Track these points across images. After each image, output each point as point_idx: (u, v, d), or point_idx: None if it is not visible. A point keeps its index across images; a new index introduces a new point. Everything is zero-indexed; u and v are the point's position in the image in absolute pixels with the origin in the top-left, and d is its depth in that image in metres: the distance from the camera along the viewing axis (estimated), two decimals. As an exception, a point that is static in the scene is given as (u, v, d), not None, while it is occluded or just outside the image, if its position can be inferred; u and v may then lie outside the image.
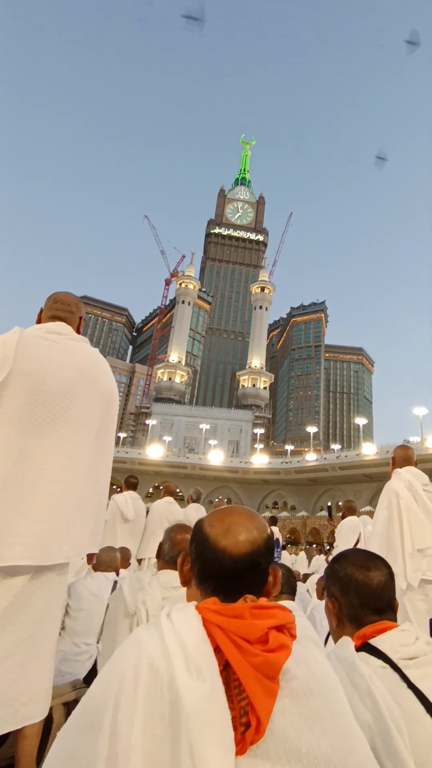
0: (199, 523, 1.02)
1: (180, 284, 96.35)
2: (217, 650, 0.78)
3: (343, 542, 6.01)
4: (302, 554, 16.52)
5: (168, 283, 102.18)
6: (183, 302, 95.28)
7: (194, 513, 7.39)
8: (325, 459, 52.16)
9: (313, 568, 11.36)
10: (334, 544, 6.38)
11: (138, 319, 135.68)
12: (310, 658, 0.84)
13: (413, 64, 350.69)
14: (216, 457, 56.44)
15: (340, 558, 1.44)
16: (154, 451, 56.10)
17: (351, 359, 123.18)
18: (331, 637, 1.43)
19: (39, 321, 2.25)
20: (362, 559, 1.39)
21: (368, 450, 48.27)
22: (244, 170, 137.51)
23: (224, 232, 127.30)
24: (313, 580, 6.26)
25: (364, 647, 1.22)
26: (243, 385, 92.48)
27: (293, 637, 0.86)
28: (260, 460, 56.55)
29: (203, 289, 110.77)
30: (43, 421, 1.89)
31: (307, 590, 5.98)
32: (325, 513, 45.42)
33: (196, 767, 0.66)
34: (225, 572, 0.93)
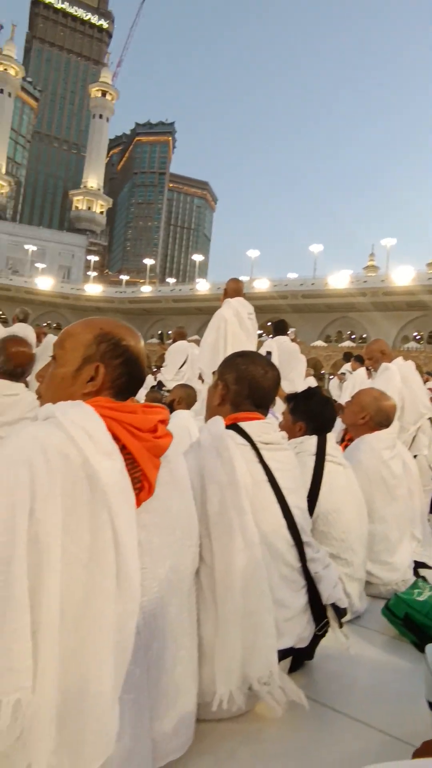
0: (121, 337, 1.14)
1: (-3, 65, 76.56)
2: (113, 438, 0.96)
3: (171, 362, 6.64)
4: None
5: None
6: (2, 91, 77.25)
7: (21, 333, 7.70)
8: (159, 291, 52.73)
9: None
10: (164, 364, 6.85)
11: None
12: (178, 451, 1.17)
13: None
14: (45, 283, 52.80)
15: (245, 355, 1.62)
16: (-30, 270, 49.81)
17: (195, 193, 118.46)
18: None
19: None
20: (263, 363, 1.60)
21: (202, 286, 50.53)
22: None
23: (57, 4, 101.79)
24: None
25: (233, 427, 1.45)
26: (77, 207, 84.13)
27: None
28: (94, 288, 54.69)
29: (29, 79, 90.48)
30: None
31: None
32: (156, 340, 48.06)
33: (112, 520, 0.89)
34: (134, 377, 1.15)
